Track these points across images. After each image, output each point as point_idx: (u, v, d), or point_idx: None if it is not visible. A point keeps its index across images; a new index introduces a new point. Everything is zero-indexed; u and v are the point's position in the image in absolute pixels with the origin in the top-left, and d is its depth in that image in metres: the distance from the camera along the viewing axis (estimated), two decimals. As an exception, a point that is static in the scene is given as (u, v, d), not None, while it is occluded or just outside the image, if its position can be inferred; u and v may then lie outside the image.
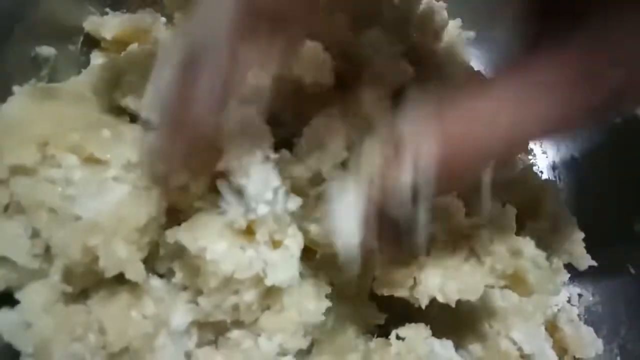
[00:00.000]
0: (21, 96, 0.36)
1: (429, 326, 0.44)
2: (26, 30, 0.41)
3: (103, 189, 0.32)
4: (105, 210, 0.31)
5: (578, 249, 0.48)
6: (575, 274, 0.52)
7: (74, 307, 0.33)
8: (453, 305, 0.38)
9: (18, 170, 0.32)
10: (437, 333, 0.46)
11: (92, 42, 0.46)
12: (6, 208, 0.33)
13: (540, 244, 0.41)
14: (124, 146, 0.34)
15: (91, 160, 0.33)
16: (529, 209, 0.47)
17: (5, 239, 0.32)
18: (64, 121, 0.34)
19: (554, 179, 0.60)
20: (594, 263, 0.47)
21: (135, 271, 0.32)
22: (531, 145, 0.60)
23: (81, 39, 0.46)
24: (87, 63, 0.46)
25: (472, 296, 0.37)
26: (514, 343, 0.45)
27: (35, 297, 0.32)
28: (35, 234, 0.33)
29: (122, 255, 0.31)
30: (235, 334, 0.34)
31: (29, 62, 0.42)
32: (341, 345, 0.41)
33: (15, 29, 0.40)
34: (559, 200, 0.50)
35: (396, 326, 0.43)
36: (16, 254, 0.32)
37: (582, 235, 0.48)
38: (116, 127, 0.35)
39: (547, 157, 0.61)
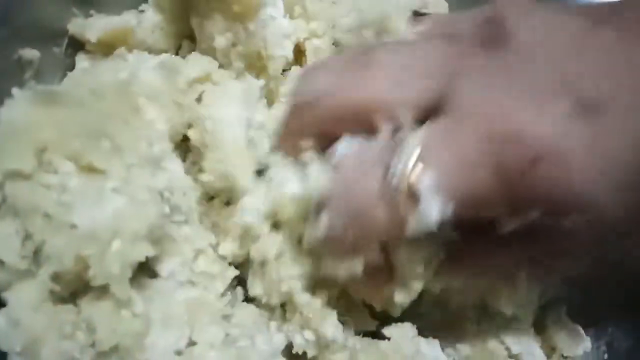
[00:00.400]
0: (21, 100, 0.37)
1: (415, 325, 0.47)
2: (8, 32, 0.43)
3: (100, 199, 0.34)
4: (102, 220, 0.33)
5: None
6: (564, 274, 0.54)
7: (62, 306, 0.35)
8: (437, 291, 0.42)
9: (14, 175, 0.34)
10: (425, 332, 0.48)
11: (77, 45, 0.48)
12: (-3, 209, 0.35)
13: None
14: (125, 157, 0.36)
15: (89, 169, 0.35)
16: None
17: (-5, 238, 0.34)
18: (64, 127, 0.36)
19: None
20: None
21: (120, 287, 0.34)
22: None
23: (66, 41, 0.48)
24: (72, 66, 0.48)
25: (455, 284, 0.42)
26: (502, 343, 0.48)
27: (24, 296, 0.34)
28: (27, 237, 0.34)
29: (114, 270, 0.33)
30: (231, 331, 0.37)
31: (12, 65, 0.43)
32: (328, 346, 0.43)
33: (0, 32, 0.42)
34: None
35: (383, 325, 0.46)
36: (5, 253, 0.34)
37: None
38: (118, 137, 0.37)
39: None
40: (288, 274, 0.40)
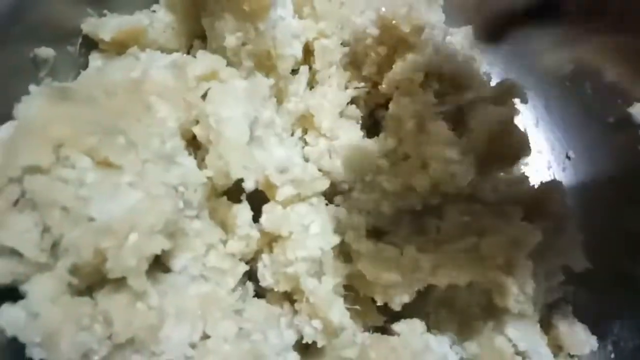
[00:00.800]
0: (37, 96, 0.38)
1: (424, 322, 0.48)
2: (25, 31, 0.44)
3: (117, 193, 0.35)
4: (119, 214, 0.35)
5: (576, 251, 0.51)
6: (570, 273, 0.55)
7: (79, 298, 0.36)
8: (442, 287, 0.42)
9: (32, 170, 0.35)
10: (433, 329, 0.49)
11: (91, 44, 0.49)
12: (15, 203, 0.36)
13: (543, 242, 0.46)
14: (139, 153, 0.37)
15: (105, 164, 0.36)
16: (536, 207, 0.51)
17: (15, 232, 0.35)
18: (80, 124, 0.37)
19: (549, 178, 0.64)
20: (590, 265, 0.51)
21: (137, 280, 0.35)
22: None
23: (80, 40, 0.49)
24: (85, 64, 0.49)
25: (460, 282, 0.42)
26: (509, 340, 0.49)
27: (42, 288, 0.35)
28: (45, 230, 0.35)
29: (131, 263, 0.34)
30: (244, 325, 0.38)
31: (28, 64, 0.44)
32: (339, 341, 0.44)
33: (14, 31, 0.43)
34: (564, 201, 0.53)
35: (392, 322, 0.47)
36: (24, 246, 0.35)
37: (581, 237, 0.51)
38: (132, 133, 0.38)
39: (541, 155, 0.64)
40: (295, 256, 0.41)
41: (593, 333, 0.53)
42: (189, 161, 0.42)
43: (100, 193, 0.35)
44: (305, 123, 0.54)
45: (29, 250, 0.35)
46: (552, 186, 0.54)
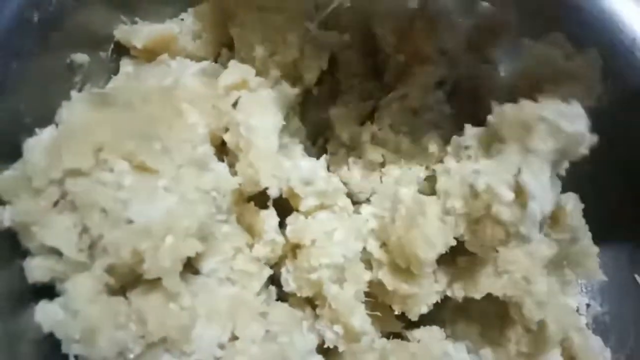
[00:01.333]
0: (79, 102, 0.40)
1: (442, 330, 0.49)
2: (64, 37, 0.45)
3: (154, 197, 0.37)
4: (156, 217, 0.36)
5: (592, 263, 0.52)
6: (584, 284, 0.57)
7: (115, 298, 0.37)
8: (460, 300, 0.43)
9: (74, 172, 0.37)
10: (450, 337, 0.50)
11: (121, 50, 0.51)
12: (55, 204, 0.37)
13: (559, 254, 0.47)
14: (174, 158, 0.39)
15: (142, 169, 0.38)
16: (550, 219, 0.51)
17: (56, 231, 0.37)
18: (118, 129, 0.39)
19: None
20: (605, 278, 0.52)
21: (172, 281, 0.37)
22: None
23: (111, 46, 0.50)
24: (116, 70, 0.51)
25: (477, 295, 0.44)
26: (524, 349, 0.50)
27: (81, 287, 0.36)
28: (84, 231, 0.37)
29: (166, 264, 0.36)
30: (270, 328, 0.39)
31: (65, 69, 0.46)
32: (359, 347, 0.46)
33: (54, 37, 0.44)
34: (579, 213, 0.53)
35: (410, 329, 0.48)
36: (64, 245, 0.37)
37: (596, 250, 0.52)
38: (166, 139, 0.40)
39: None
40: (319, 263, 0.42)
41: (607, 345, 0.53)
42: (221, 167, 0.43)
43: (138, 196, 0.37)
44: (326, 132, 0.55)
45: (68, 250, 0.36)
46: (566, 198, 0.55)
